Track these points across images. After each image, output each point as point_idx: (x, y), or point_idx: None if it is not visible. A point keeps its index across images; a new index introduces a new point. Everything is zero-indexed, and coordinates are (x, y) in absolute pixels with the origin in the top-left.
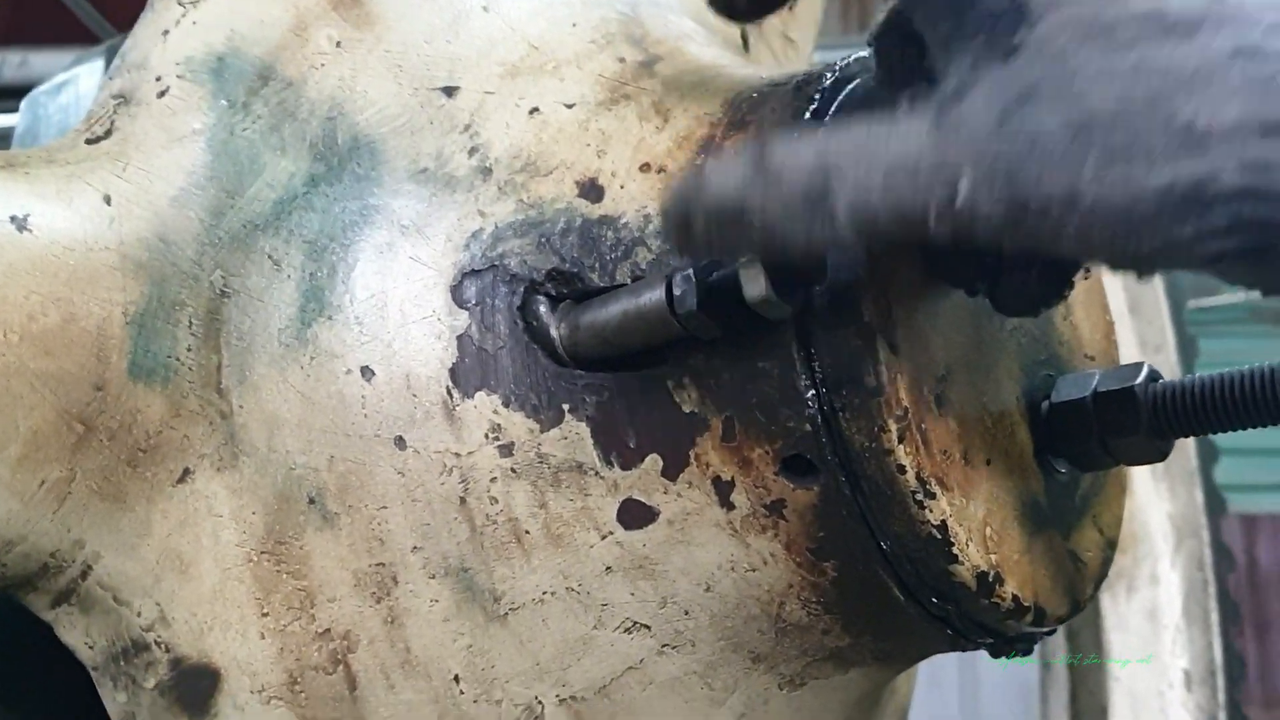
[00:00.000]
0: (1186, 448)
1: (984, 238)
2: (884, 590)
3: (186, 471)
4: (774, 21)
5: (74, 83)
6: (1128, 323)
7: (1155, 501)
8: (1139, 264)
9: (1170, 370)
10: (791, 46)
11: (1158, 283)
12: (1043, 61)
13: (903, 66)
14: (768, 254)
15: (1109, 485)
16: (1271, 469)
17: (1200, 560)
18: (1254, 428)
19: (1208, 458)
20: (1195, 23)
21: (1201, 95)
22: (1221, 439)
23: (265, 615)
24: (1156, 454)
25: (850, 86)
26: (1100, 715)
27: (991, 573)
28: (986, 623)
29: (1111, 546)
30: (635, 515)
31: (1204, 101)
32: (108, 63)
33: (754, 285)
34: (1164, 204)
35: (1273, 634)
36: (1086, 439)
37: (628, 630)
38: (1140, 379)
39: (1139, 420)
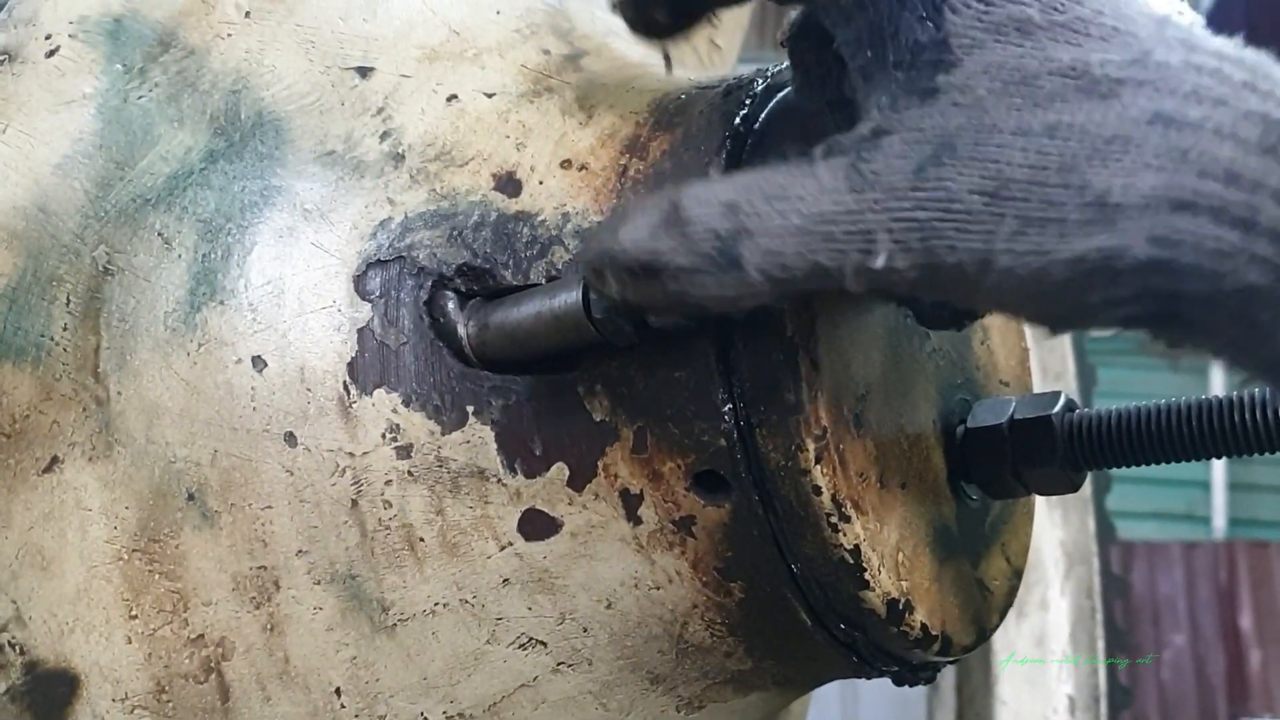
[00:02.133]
0: None
1: (901, 293)
2: (791, 614)
3: (55, 460)
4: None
5: None
6: (1031, 349)
7: (1048, 528)
8: (1051, 324)
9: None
10: (717, 52)
11: None
12: (961, 111)
13: (820, 69)
14: (682, 308)
15: (1017, 514)
16: (1151, 496)
17: (1089, 588)
18: (1172, 462)
19: (1101, 486)
20: (1117, 82)
21: (1115, 165)
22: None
23: (133, 618)
24: (1069, 485)
25: (782, 94)
26: None
27: (902, 600)
28: (893, 651)
29: (1018, 576)
30: (537, 526)
31: (1117, 172)
32: None
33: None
34: (1073, 275)
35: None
36: (1001, 466)
37: (522, 646)
38: (1057, 408)
39: (1054, 450)
